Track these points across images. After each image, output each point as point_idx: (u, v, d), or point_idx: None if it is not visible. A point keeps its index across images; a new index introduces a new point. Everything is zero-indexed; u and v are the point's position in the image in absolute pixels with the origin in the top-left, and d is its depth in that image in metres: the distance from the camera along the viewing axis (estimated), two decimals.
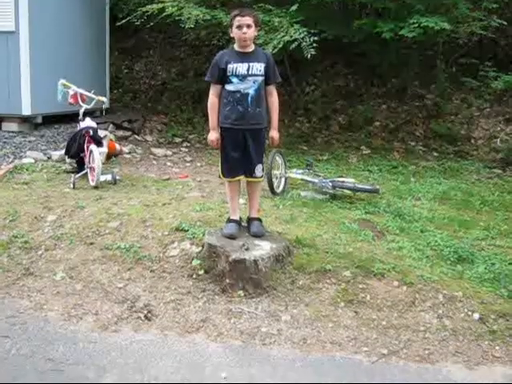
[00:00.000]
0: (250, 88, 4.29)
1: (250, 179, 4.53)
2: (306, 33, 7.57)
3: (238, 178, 4.51)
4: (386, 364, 3.48)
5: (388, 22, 8.42)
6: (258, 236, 4.44)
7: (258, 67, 4.29)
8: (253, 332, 3.76)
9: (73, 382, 3.19)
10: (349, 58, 11.15)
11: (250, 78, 4.27)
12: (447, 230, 5.37)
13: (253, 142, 4.38)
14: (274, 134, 4.52)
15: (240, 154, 4.40)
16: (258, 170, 4.48)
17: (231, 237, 4.38)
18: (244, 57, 4.30)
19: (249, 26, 4.23)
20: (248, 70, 4.26)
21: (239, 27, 4.24)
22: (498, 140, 8.91)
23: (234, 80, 4.28)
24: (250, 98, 4.30)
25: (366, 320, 3.91)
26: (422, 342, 3.70)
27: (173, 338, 3.69)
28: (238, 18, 4.25)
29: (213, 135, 4.41)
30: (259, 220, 4.60)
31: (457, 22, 8.74)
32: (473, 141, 9.34)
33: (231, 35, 4.37)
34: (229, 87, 4.31)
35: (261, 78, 4.31)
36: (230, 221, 4.55)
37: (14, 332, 3.69)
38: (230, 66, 4.26)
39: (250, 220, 4.61)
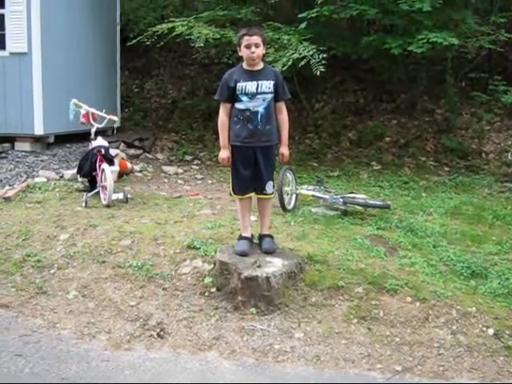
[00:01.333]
0: (259, 106, 4.31)
1: (260, 196, 4.54)
2: (314, 50, 7.62)
3: (248, 195, 4.52)
4: (401, 381, 3.46)
5: (396, 38, 8.45)
6: (270, 252, 4.44)
7: (267, 85, 4.31)
8: (266, 349, 3.75)
9: None
10: (358, 75, 11.19)
11: (259, 96, 4.30)
12: (460, 245, 5.34)
13: (263, 159, 4.40)
14: (285, 150, 4.54)
15: (250, 171, 4.42)
16: (269, 186, 4.49)
17: (243, 254, 4.38)
18: (253, 75, 4.32)
19: (257, 45, 4.25)
20: (257, 88, 4.29)
21: (247, 46, 4.25)
22: (509, 154, 8.86)
23: (244, 98, 4.31)
24: (259, 116, 4.32)
25: (380, 336, 3.88)
26: (436, 359, 3.67)
27: (185, 355, 3.69)
28: (246, 38, 4.26)
29: (224, 153, 4.43)
30: (271, 236, 4.60)
31: (465, 37, 8.76)
32: (484, 155, 9.31)
33: (240, 54, 4.39)
34: (238, 105, 4.35)
35: (270, 96, 4.34)
36: (241, 238, 4.56)
37: (28, 351, 3.70)
38: (240, 85, 4.29)
39: (261, 237, 4.61)
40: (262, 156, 4.40)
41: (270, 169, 4.50)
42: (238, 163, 4.44)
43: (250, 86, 4.28)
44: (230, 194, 4.68)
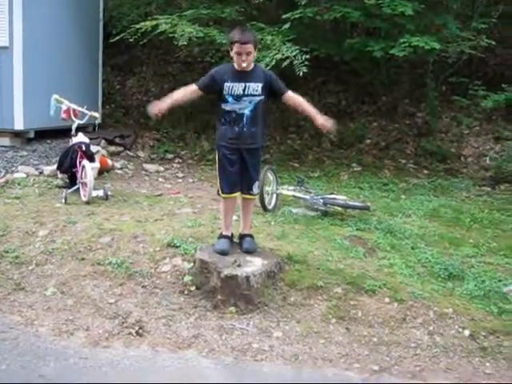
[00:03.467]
0: (245, 108, 4.27)
1: (246, 196, 4.54)
2: (297, 51, 7.64)
3: (235, 194, 4.50)
4: (378, 380, 3.49)
5: (379, 41, 8.51)
6: (250, 252, 4.45)
7: (255, 87, 4.25)
8: (244, 348, 3.76)
9: None
10: (340, 76, 11.24)
11: (245, 98, 4.25)
12: (438, 247, 5.40)
13: (250, 159, 4.40)
14: (320, 119, 4.42)
15: (237, 168, 4.41)
16: (255, 187, 4.51)
17: (223, 253, 4.38)
18: (241, 76, 4.25)
19: (249, 54, 4.16)
20: (244, 89, 4.23)
21: (239, 53, 4.16)
22: (488, 158, 8.99)
23: (230, 99, 4.26)
24: (245, 118, 4.29)
25: (358, 336, 3.92)
26: (413, 359, 3.71)
27: (164, 353, 3.69)
28: (237, 45, 4.15)
29: (160, 103, 4.31)
30: (251, 236, 4.61)
31: (446, 42, 8.85)
32: (463, 159, 9.42)
33: (231, 55, 4.29)
34: (225, 106, 4.30)
35: (258, 98, 4.28)
36: (222, 236, 4.56)
37: (5, 347, 3.67)
38: (227, 85, 4.23)
39: (242, 236, 4.61)
40: (249, 157, 4.39)
41: (256, 169, 4.52)
42: (225, 161, 4.40)
43: (237, 88, 4.23)
44: (218, 194, 4.58)
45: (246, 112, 4.28)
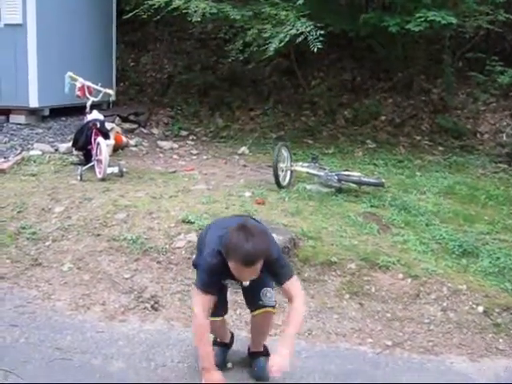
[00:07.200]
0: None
1: (257, 311, 3.22)
2: (312, 26, 7.56)
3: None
4: (390, 355, 3.52)
5: (395, 16, 8.39)
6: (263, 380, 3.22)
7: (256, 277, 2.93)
8: None
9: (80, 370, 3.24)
10: (355, 52, 11.13)
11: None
12: (452, 224, 5.39)
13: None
14: (282, 354, 2.90)
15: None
16: (266, 295, 3.16)
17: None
18: None
19: (254, 273, 2.85)
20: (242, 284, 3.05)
21: (240, 275, 2.88)
22: (504, 135, 8.89)
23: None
24: None
25: (371, 312, 3.94)
26: (426, 334, 3.73)
27: (179, 328, 3.74)
28: (239, 266, 2.77)
29: (214, 376, 2.91)
30: (265, 355, 3.33)
31: (464, 16, 8.71)
32: (479, 135, 9.33)
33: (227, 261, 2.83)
34: None
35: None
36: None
37: (23, 321, 3.74)
38: (223, 282, 3.13)
39: (252, 354, 3.41)
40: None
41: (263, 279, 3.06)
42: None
43: (235, 283, 3.16)
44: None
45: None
